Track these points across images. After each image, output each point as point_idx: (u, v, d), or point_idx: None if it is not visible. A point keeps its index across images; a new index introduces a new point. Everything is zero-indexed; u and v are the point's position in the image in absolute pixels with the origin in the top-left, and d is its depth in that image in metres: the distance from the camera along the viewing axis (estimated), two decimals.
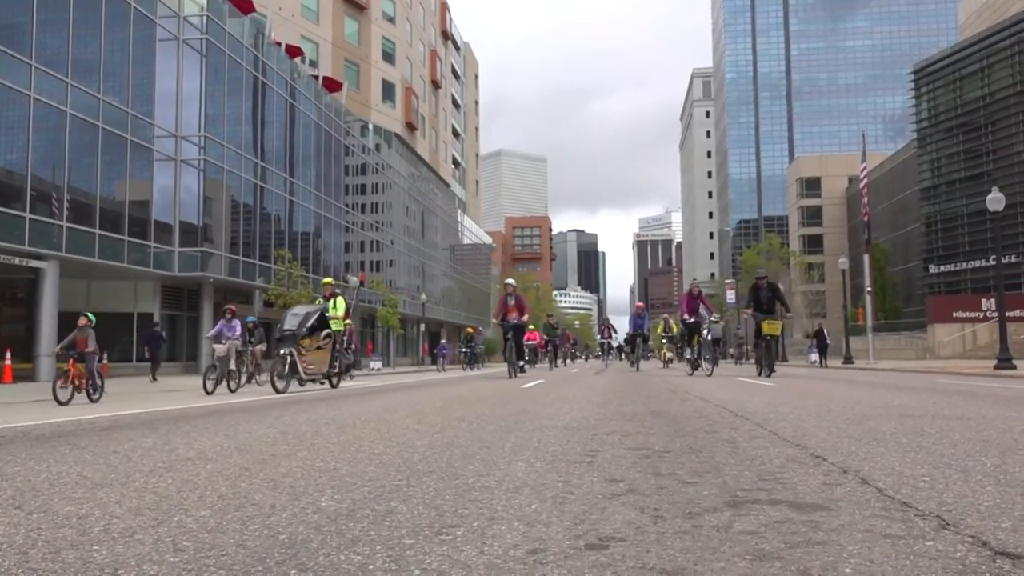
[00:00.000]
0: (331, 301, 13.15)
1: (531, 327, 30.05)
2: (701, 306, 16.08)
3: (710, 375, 13.89)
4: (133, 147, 25.34)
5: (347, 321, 15.12)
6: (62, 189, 22.38)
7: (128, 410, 7.30)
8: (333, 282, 13.98)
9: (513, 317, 15.15)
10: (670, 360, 25.90)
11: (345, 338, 14.21)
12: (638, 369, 19.66)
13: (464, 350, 32.83)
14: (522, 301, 15.57)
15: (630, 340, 21.98)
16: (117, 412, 6.99)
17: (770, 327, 13.89)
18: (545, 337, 28.47)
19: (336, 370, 12.38)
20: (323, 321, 12.10)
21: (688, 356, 16.02)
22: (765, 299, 14.68)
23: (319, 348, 11.73)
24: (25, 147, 21.13)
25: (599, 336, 28.89)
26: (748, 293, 15.13)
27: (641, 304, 22.52)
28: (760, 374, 13.76)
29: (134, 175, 25.78)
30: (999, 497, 2.13)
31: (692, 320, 15.73)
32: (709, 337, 15.96)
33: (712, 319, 16.01)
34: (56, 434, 4.71)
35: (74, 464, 3.18)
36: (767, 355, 14.00)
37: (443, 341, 38.90)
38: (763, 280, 14.90)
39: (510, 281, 16.21)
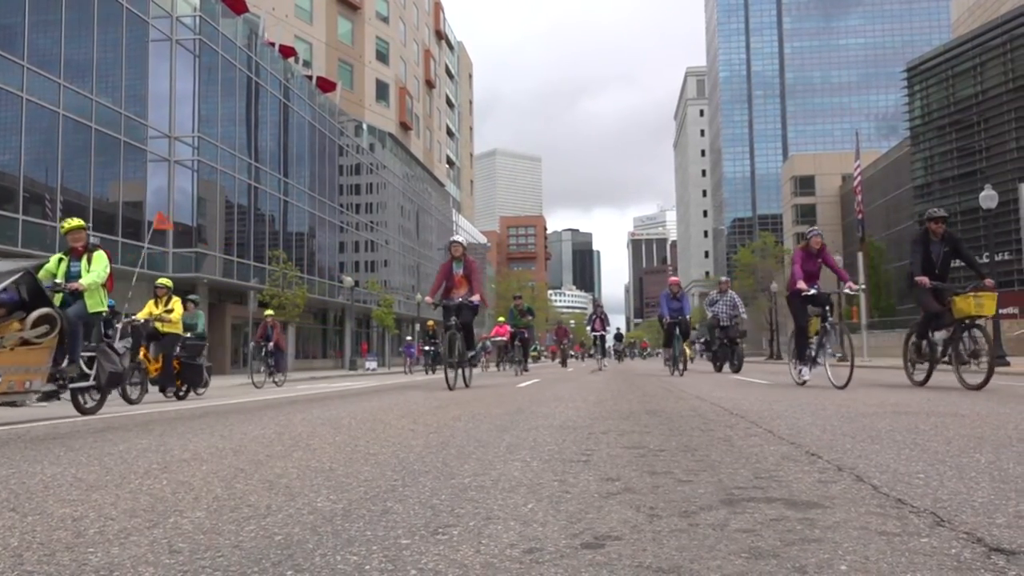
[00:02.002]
0: (83, 259, 7.48)
1: (500, 320, 23.83)
2: (824, 268, 9.61)
3: (844, 387, 7.98)
4: (126, 148, 25.30)
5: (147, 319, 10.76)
6: (55, 190, 22.32)
7: None
8: (87, 226, 7.84)
9: (460, 295, 10.23)
10: (690, 358, 19.03)
11: (114, 328, 9.97)
12: (682, 373, 13.91)
13: (426, 348, 27.94)
14: (472, 269, 10.48)
15: (667, 332, 15.22)
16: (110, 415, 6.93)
17: (976, 304, 7.68)
18: (512, 329, 20.08)
19: (95, 382, 7.40)
20: (37, 293, 6.77)
21: (810, 351, 9.05)
22: (939, 257, 8.42)
23: (24, 344, 6.45)
24: (18, 148, 21.09)
25: (589, 329, 21.81)
26: (911, 246, 8.72)
27: (677, 279, 16.11)
28: (924, 381, 8.44)
29: (127, 176, 25.74)
30: (993, 493, 2.14)
31: (813, 292, 8.88)
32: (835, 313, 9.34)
33: (849, 288, 9.14)
34: (51, 436, 4.70)
35: (69, 466, 3.17)
36: (968, 345, 7.82)
37: (408, 339, 32.87)
38: (939, 225, 8.40)
39: (457, 239, 10.78)
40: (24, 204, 21.05)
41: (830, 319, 8.91)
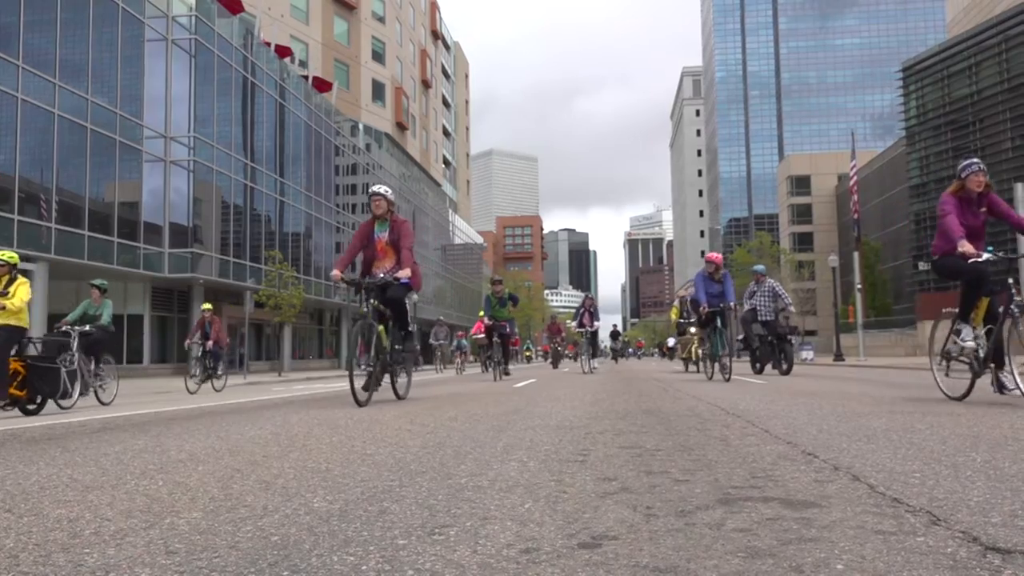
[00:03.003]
0: None
1: (481, 314, 18.33)
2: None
3: None
4: (122, 148, 25.23)
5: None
6: (51, 191, 22.26)
7: None
8: None
9: (384, 268, 7.31)
10: (694, 358, 16.17)
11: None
12: (728, 377, 10.57)
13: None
14: (403, 233, 7.25)
15: (705, 322, 11.79)
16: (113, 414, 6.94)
17: None
18: (488, 322, 15.82)
19: None
20: None
21: (978, 349, 6.03)
22: None
23: None
24: (13, 149, 21.03)
25: (575, 324, 18.47)
26: None
27: (718, 256, 12.47)
28: None
29: (123, 176, 25.67)
30: (989, 492, 2.14)
31: (986, 257, 5.82)
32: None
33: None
34: (47, 436, 4.69)
35: (65, 467, 3.17)
36: None
37: None
38: None
39: (379, 189, 7.42)
40: (19, 204, 20.98)
41: (1016, 299, 5.46)
